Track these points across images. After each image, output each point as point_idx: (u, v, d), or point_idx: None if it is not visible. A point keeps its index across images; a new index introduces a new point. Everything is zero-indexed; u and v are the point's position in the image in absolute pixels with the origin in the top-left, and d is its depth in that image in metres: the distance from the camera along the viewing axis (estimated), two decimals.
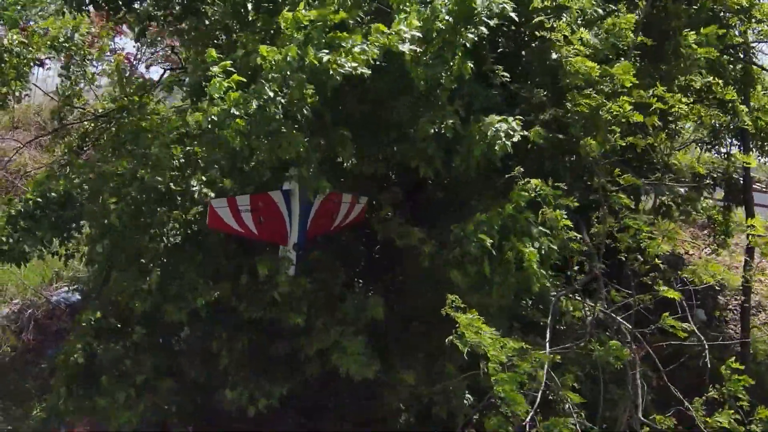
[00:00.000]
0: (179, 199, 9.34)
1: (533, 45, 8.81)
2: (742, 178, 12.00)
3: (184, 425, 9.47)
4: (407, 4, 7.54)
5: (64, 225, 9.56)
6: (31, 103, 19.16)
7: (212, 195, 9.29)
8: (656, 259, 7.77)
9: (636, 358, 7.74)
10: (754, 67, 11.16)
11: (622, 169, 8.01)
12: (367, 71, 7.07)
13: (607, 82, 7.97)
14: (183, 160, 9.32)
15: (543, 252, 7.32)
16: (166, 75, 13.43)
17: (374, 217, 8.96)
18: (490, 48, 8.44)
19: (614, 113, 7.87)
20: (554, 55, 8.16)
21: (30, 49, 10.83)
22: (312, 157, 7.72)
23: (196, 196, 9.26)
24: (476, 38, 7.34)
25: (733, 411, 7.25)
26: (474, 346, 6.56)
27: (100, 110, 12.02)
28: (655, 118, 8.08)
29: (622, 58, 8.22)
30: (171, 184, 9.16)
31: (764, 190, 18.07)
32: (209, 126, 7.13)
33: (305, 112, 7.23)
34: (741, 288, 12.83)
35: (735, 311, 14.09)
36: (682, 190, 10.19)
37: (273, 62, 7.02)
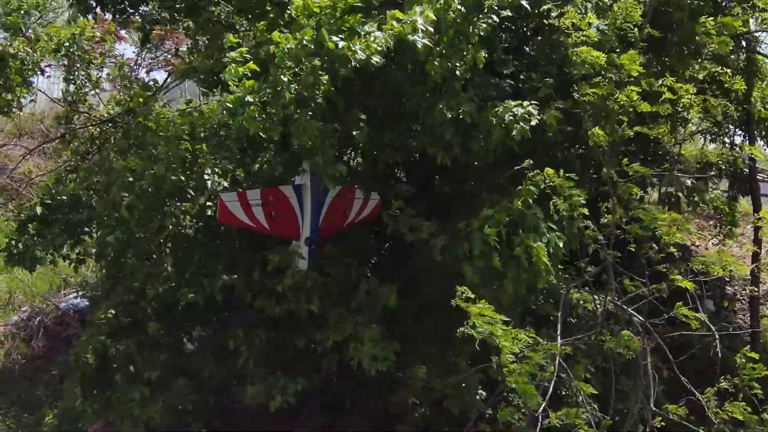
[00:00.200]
0: (190, 192, 9.31)
1: (539, 36, 8.83)
2: (748, 168, 11.99)
3: (198, 425, 9.44)
4: None
5: (75, 228, 9.61)
6: (34, 110, 19.18)
7: (225, 184, 9.31)
8: (671, 247, 7.76)
9: (647, 349, 7.76)
10: (758, 56, 11.14)
11: (630, 159, 8.01)
12: (381, 60, 7.05)
13: (614, 71, 7.97)
14: (190, 156, 9.28)
15: (551, 249, 7.35)
16: (169, 78, 13.41)
17: (385, 212, 8.95)
18: (499, 39, 8.46)
19: (622, 103, 7.88)
20: (562, 45, 8.17)
21: (34, 54, 10.88)
22: (327, 144, 7.70)
23: (208, 186, 9.22)
24: (489, 28, 7.36)
25: (744, 402, 7.29)
26: (486, 337, 6.57)
27: (105, 115, 12.05)
28: (667, 105, 8.09)
29: (630, 50, 8.21)
30: (181, 176, 9.13)
31: None
32: (224, 113, 7.15)
33: (319, 100, 7.22)
34: (749, 278, 12.80)
35: (743, 301, 14.06)
36: (689, 181, 10.18)
37: (286, 49, 7.01)
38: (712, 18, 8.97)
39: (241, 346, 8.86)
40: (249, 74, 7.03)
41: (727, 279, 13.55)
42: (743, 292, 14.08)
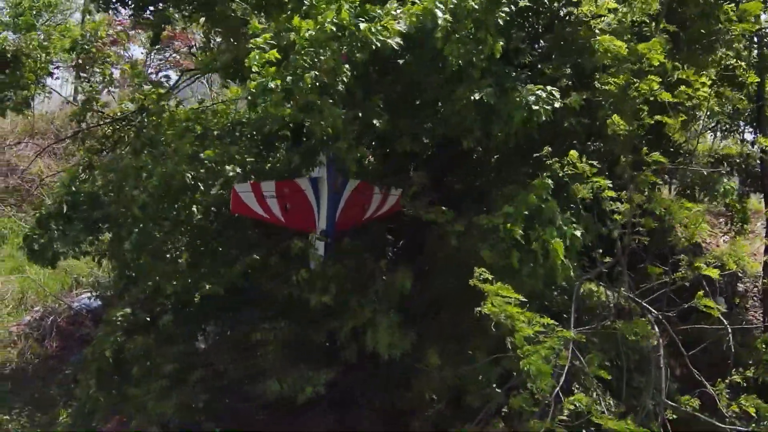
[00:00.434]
0: (201, 185, 9.28)
1: (555, 28, 8.84)
2: (759, 165, 12.00)
3: (210, 424, 9.45)
4: None
5: (94, 225, 9.66)
6: (42, 111, 19.25)
7: (238, 170, 9.31)
8: (696, 235, 7.77)
9: (660, 342, 7.76)
10: None
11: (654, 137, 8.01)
12: (400, 43, 7.10)
13: (635, 61, 7.97)
14: (205, 150, 9.31)
15: (567, 242, 7.36)
16: (181, 77, 13.46)
17: (405, 195, 8.97)
18: (515, 29, 8.49)
19: (642, 91, 7.88)
20: (579, 36, 8.18)
21: (48, 53, 10.95)
22: (348, 129, 7.74)
23: (224, 174, 9.25)
24: (507, 17, 7.40)
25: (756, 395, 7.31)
26: (501, 320, 6.57)
27: (119, 113, 12.09)
28: (685, 93, 8.10)
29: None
30: (190, 173, 9.10)
31: None
32: (248, 98, 7.17)
33: (339, 87, 7.23)
34: (760, 275, 12.80)
35: (755, 298, 14.05)
36: (704, 171, 10.19)
37: (307, 35, 7.04)
38: (732, 4, 8.98)
39: (268, 337, 8.87)
40: (273, 60, 7.06)
41: (740, 274, 13.52)
42: (754, 289, 14.07)
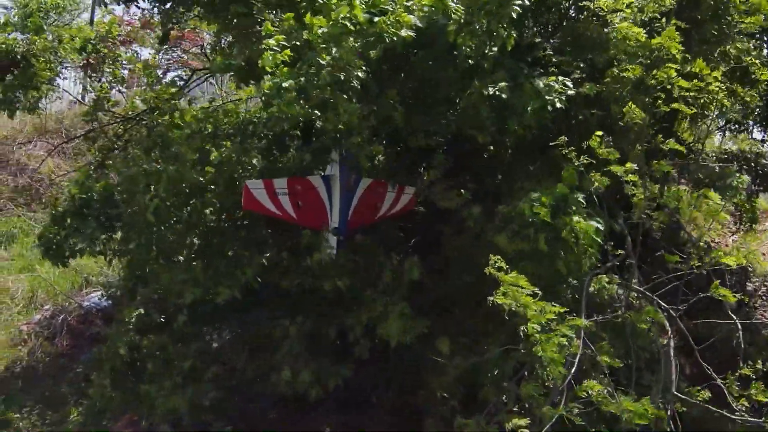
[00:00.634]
0: (213, 186, 9.30)
1: (568, 21, 8.87)
2: None
3: (220, 424, 9.46)
4: None
5: (109, 222, 9.72)
6: (52, 111, 19.28)
7: (250, 168, 9.32)
8: (706, 233, 7.78)
9: (670, 336, 7.77)
10: None
11: (656, 151, 8.04)
12: (411, 34, 7.11)
13: (648, 54, 7.99)
14: (213, 150, 9.33)
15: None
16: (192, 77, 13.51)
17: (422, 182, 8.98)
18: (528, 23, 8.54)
19: (660, 79, 7.90)
20: (594, 30, 8.20)
21: (58, 53, 10.99)
22: (363, 125, 7.77)
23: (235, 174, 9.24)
24: (520, 10, 7.41)
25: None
26: (514, 307, 6.58)
27: (130, 113, 12.12)
28: (700, 84, 8.11)
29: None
30: (199, 177, 9.15)
31: None
32: (262, 98, 7.20)
33: (354, 83, 7.26)
34: None
35: (764, 297, 14.02)
36: (716, 167, 10.20)
37: (320, 33, 7.07)
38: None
39: (288, 333, 8.85)
40: (287, 60, 7.10)
41: (750, 270, 13.51)
42: (763, 288, 14.06)
